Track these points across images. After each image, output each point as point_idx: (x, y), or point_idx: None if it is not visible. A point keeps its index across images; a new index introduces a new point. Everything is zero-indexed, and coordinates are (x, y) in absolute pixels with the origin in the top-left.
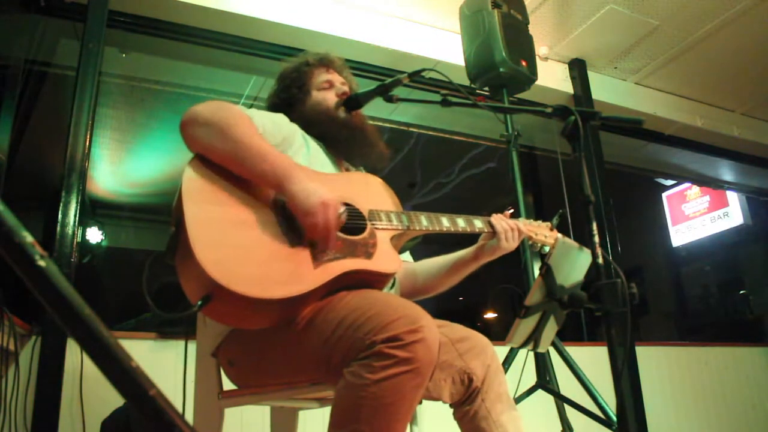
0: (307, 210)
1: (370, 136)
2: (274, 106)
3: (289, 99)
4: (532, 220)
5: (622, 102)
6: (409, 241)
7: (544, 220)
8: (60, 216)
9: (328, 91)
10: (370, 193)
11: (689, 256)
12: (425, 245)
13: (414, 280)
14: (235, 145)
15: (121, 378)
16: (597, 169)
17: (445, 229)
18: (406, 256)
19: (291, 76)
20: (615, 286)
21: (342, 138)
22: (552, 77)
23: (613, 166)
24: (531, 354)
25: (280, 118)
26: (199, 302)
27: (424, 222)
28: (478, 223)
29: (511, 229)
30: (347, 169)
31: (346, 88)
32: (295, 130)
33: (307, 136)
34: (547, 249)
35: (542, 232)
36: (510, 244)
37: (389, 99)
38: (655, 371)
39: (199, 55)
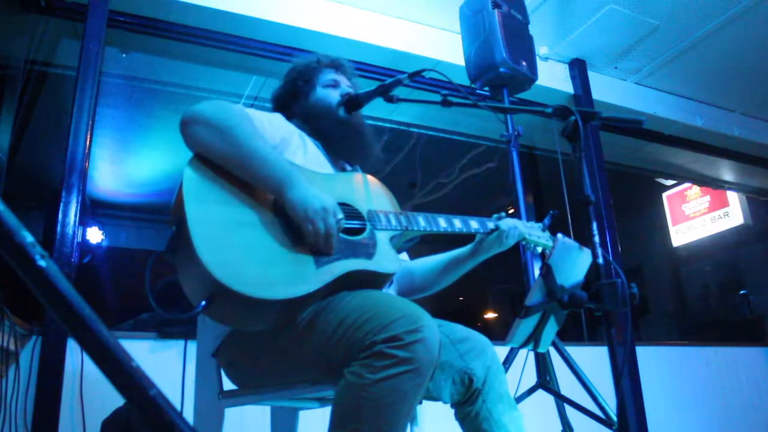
0: (307, 216)
1: (368, 138)
2: (278, 98)
3: (294, 90)
4: (524, 221)
5: (623, 102)
6: (406, 241)
7: (543, 220)
8: (60, 216)
9: (333, 90)
10: (369, 193)
11: (689, 256)
12: (423, 244)
13: (411, 279)
14: (235, 147)
15: (121, 378)
16: (597, 169)
17: (442, 229)
18: (403, 255)
19: (299, 70)
20: (615, 286)
21: (340, 137)
22: (552, 77)
23: (613, 166)
24: (531, 354)
25: (278, 120)
26: (203, 303)
27: (421, 222)
28: (474, 224)
29: (512, 227)
30: (344, 169)
31: (351, 91)
32: (292, 130)
33: (305, 136)
34: (539, 249)
35: (535, 232)
36: (509, 241)
37: (389, 99)
38: (655, 371)
39: (199, 55)
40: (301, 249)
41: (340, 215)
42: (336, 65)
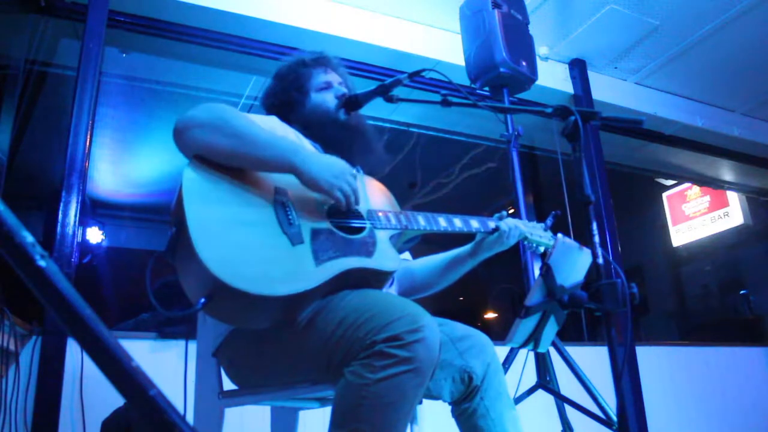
0: (333, 184)
1: (369, 138)
2: (272, 106)
3: (288, 101)
4: (526, 221)
5: (623, 102)
6: (407, 241)
7: (544, 220)
8: (60, 216)
9: (326, 93)
10: (368, 193)
11: (689, 256)
12: (424, 244)
13: (412, 278)
14: (237, 138)
15: (121, 378)
16: (597, 169)
17: (442, 228)
18: (406, 255)
19: (288, 78)
20: (615, 286)
21: (342, 139)
22: (552, 77)
23: (613, 166)
24: (531, 354)
25: (273, 122)
26: (202, 300)
27: (421, 222)
28: (475, 223)
29: (513, 227)
30: None
31: (344, 89)
32: (287, 132)
33: (302, 137)
34: (541, 249)
35: (537, 232)
36: (509, 241)
37: (389, 99)
38: (655, 371)
39: (199, 55)
40: (301, 247)
41: (354, 170)
42: (323, 63)
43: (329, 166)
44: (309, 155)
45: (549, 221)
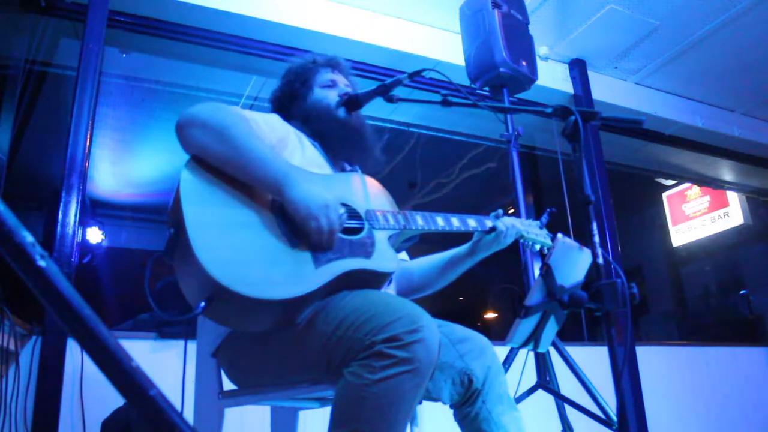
0: (309, 214)
1: (368, 138)
2: (276, 99)
3: (291, 92)
4: (523, 219)
5: (623, 102)
6: (405, 241)
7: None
8: (60, 216)
9: (330, 90)
10: (367, 193)
11: (689, 256)
12: (423, 244)
13: (410, 278)
14: (232, 148)
15: (121, 378)
16: (597, 169)
17: (440, 228)
18: (403, 255)
19: (296, 72)
20: (615, 286)
21: (340, 137)
22: (552, 77)
23: (613, 166)
24: (531, 354)
25: (275, 120)
26: (202, 304)
27: (419, 222)
28: (472, 222)
29: (510, 226)
30: (343, 170)
31: (349, 90)
32: (289, 131)
33: (303, 136)
34: (537, 247)
35: (533, 230)
36: (507, 240)
37: (389, 99)
38: (655, 371)
39: (199, 55)
40: (300, 249)
41: (342, 210)
42: (332, 64)
43: (315, 196)
44: (298, 181)
45: (544, 219)
